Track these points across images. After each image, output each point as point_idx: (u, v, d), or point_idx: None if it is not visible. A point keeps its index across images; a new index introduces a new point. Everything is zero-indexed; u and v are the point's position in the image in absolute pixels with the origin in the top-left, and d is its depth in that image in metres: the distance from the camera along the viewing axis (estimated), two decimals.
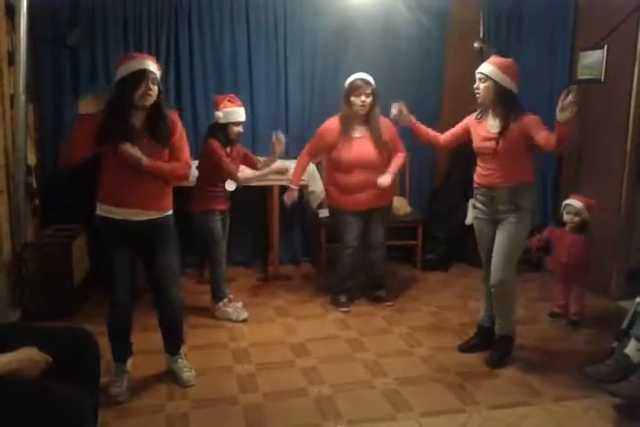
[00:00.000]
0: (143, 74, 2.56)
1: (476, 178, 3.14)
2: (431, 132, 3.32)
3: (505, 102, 2.94)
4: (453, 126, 3.26)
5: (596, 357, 3.14)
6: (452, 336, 3.48)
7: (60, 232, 3.88)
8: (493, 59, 2.98)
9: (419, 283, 4.49)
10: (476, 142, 3.09)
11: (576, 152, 4.45)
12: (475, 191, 3.16)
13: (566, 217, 3.61)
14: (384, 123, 3.67)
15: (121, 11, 4.23)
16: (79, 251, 3.86)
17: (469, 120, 3.17)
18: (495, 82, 2.90)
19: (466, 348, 3.27)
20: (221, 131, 3.54)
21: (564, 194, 4.52)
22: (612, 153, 4.10)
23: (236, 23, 4.48)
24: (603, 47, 4.14)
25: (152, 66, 2.61)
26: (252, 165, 3.80)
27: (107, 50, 4.27)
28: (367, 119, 3.65)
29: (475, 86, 2.99)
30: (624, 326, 2.94)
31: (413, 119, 3.28)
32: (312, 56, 4.67)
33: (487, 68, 2.93)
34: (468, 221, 4.71)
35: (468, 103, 5.08)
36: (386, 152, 3.70)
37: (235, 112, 3.52)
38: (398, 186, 3.94)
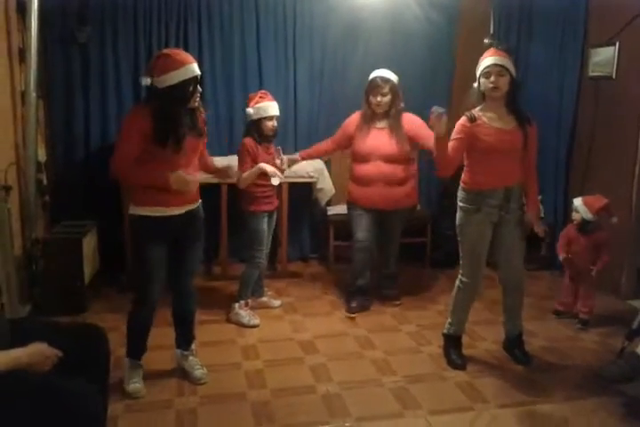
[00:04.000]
0: (197, 79, 2.61)
1: (482, 183, 2.91)
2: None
3: (516, 95, 2.90)
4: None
5: (606, 356, 3.13)
6: None
7: (71, 228, 3.89)
8: (494, 51, 2.89)
9: (427, 280, 4.48)
10: (492, 142, 2.84)
11: (587, 149, 4.42)
12: (476, 197, 2.92)
13: (572, 215, 3.64)
14: (409, 118, 3.67)
15: (131, 8, 4.24)
16: (89, 247, 3.87)
17: (464, 128, 2.88)
18: (511, 74, 2.84)
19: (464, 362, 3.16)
20: (254, 127, 3.53)
21: (574, 191, 4.50)
22: (623, 150, 4.07)
23: (245, 21, 4.47)
24: (614, 44, 4.10)
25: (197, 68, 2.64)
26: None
27: (116, 47, 4.27)
28: (387, 115, 3.63)
29: (492, 81, 2.81)
30: (635, 325, 2.92)
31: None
32: (321, 53, 4.66)
33: (500, 59, 2.83)
34: None
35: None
36: (408, 147, 3.62)
37: (267, 106, 3.49)
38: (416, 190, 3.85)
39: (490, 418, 2.61)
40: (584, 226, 3.52)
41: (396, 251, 3.97)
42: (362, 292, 3.86)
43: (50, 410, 1.73)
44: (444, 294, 4.15)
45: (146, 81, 2.60)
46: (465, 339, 3.26)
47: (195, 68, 2.58)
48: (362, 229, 3.75)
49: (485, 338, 3.44)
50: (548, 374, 3.02)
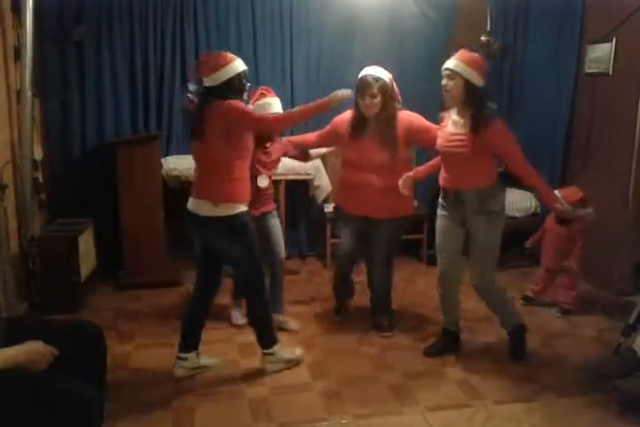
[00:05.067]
0: (246, 73, 2.83)
1: (441, 180, 3.06)
2: (434, 165, 3.22)
3: (474, 100, 2.83)
4: None
5: (602, 352, 3.14)
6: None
7: (67, 226, 3.89)
8: (460, 53, 2.85)
9: (424, 277, 4.48)
10: (441, 144, 2.96)
11: (583, 145, 4.43)
12: (441, 192, 3.09)
13: None
14: (406, 118, 3.27)
15: (127, 6, 4.23)
16: (86, 245, 3.87)
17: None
18: (464, 78, 2.79)
19: (432, 352, 3.17)
20: None
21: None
22: (620, 146, 4.07)
23: (241, 18, 4.47)
24: (611, 40, 4.10)
25: None
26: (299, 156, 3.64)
27: (112, 45, 4.27)
28: (379, 120, 3.22)
29: (442, 84, 2.86)
30: (631, 320, 2.92)
31: (411, 176, 3.21)
32: (318, 50, 4.65)
33: (453, 63, 2.81)
34: None
35: None
36: (403, 154, 3.32)
37: (266, 104, 3.29)
38: (411, 197, 3.45)
39: (487, 414, 2.62)
40: (563, 217, 3.65)
41: (387, 269, 3.50)
42: (343, 303, 3.73)
43: (46, 408, 1.73)
44: None
45: (194, 87, 2.78)
46: (463, 335, 3.28)
47: (242, 63, 2.81)
48: (345, 237, 3.48)
49: (484, 334, 3.44)
50: (544, 369, 3.03)
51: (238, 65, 2.77)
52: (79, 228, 3.86)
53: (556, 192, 3.65)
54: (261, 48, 4.53)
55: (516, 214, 4.54)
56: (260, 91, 3.37)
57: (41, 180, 3.90)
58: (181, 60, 4.41)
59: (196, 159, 2.83)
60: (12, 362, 1.77)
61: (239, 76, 2.76)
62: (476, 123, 2.82)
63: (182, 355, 2.94)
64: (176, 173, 4.17)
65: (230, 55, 2.78)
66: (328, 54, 4.67)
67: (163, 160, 4.23)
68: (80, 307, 3.70)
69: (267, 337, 2.97)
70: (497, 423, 2.56)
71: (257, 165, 3.23)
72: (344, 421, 2.56)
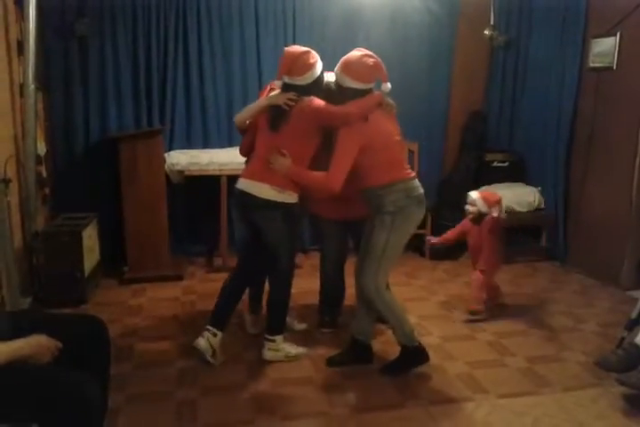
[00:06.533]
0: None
1: None
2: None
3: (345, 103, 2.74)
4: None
5: (605, 346, 3.14)
6: (460, 325, 3.48)
7: (70, 221, 3.90)
8: (342, 60, 2.77)
9: (427, 272, 4.48)
10: None
11: (587, 140, 4.41)
12: None
13: (465, 207, 3.69)
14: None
15: (130, 0, 4.22)
16: (89, 239, 3.88)
17: None
18: (337, 83, 2.78)
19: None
20: None
21: (574, 182, 4.50)
22: (624, 141, 4.06)
23: (244, 12, 4.47)
24: (615, 34, 4.08)
25: None
26: None
27: (115, 39, 4.27)
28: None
29: None
30: (634, 315, 2.93)
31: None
32: (321, 46, 4.61)
33: (335, 69, 2.79)
34: None
35: (477, 92, 5.09)
36: None
37: None
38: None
39: (489, 408, 2.62)
40: (479, 218, 3.62)
41: None
42: (334, 310, 3.50)
43: (49, 401, 1.74)
44: (444, 285, 4.17)
45: (279, 83, 2.81)
46: (464, 330, 3.29)
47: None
48: (329, 242, 3.38)
49: (485, 329, 3.44)
50: (547, 364, 3.03)
51: (320, 62, 2.81)
52: (83, 222, 3.86)
53: (476, 193, 3.63)
54: (264, 42, 4.53)
55: (519, 209, 4.54)
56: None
57: (44, 174, 3.91)
58: (184, 55, 4.41)
59: (268, 147, 2.81)
60: (17, 355, 1.77)
61: (323, 73, 2.82)
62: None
63: (211, 328, 2.96)
64: (179, 167, 4.18)
65: (314, 52, 2.78)
66: (331, 48, 4.64)
67: (166, 155, 4.23)
68: (84, 301, 3.71)
69: (277, 324, 3.02)
70: (500, 417, 2.56)
71: None
72: (346, 413, 2.57)
